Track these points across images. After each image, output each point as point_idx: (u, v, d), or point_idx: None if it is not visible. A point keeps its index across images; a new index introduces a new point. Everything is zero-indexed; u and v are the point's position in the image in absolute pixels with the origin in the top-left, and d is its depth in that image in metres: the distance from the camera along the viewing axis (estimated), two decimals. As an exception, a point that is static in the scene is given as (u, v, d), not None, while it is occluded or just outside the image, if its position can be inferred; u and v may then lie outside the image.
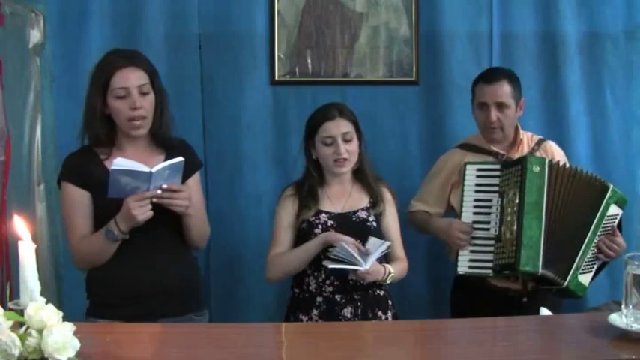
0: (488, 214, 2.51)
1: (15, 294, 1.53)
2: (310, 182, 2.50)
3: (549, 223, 2.41)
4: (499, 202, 2.48)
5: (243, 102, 3.08)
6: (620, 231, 2.51)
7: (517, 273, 2.45)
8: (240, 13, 3.05)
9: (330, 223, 2.44)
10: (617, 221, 2.50)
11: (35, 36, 2.85)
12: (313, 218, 2.44)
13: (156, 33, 3.01)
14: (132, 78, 2.19)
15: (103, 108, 2.21)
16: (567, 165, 2.54)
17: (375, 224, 2.47)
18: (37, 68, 2.86)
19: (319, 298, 2.42)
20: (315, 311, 2.41)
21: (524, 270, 2.39)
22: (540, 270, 2.38)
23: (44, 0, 2.91)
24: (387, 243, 2.41)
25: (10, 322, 1.41)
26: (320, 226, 2.43)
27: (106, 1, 3.00)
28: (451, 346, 1.78)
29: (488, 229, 2.50)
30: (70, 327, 1.43)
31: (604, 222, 2.46)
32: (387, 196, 2.56)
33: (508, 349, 1.67)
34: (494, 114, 2.61)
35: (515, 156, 2.63)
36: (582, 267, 2.46)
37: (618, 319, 1.63)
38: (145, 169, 2.07)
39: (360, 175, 2.54)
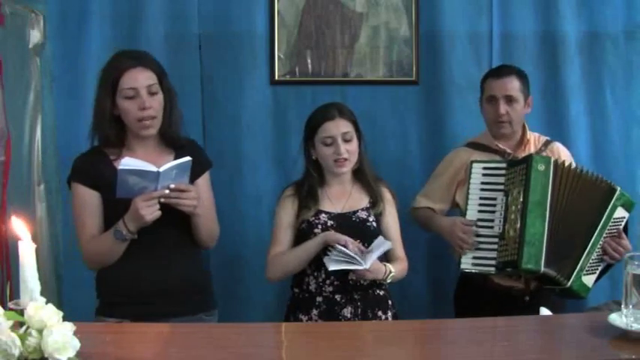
0: (493, 212, 2.51)
1: (15, 294, 1.53)
2: (310, 182, 2.50)
3: (553, 221, 2.41)
4: (504, 200, 2.49)
5: (243, 102, 3.08)
6: (627, 234, 2.52)
7: (519, 271, 2.45)
8: (240, 13, 3.06)
9: (329, 223, 2.44)
10: (623, 224, 2.51)
11: (35, 36, 2.85)
12: (313, 218, 2.44)
13: (156, 33, 3.02)
14: (140, 78, 2.19)
15: (112, 109, 2.22)
16: (573, 165, 2.54)
17: (374, 224, 2.47)
18: (37, 68, 2.86)
19: (319, 298, 2.42)
20: (315, 311, 2.41)
21: (526, 268, 2.39)
22: (542, 268, 2.39)
23: (44, 0, 2.91)
24: (389, 243, 2.42)
25: (10, 322, 1.41)
26: (320, 226, 2.43)
27: (106, 1, 3.00)
28: (451, 346, 1.78)
29: (492, 227, 2.50)
30: (70, 327, 1.43)
31: (610, 224, 2.46)
32: (387, 196, 2.56)
33: (508, 349, 1.67)
34: (503, 107, 2.63)
35: (522, 155, 2.63)
36: (587, 268, 2.46)
37: (618, 319, 1.63)
38: (152, 168, 2.07)
39: (359, 175, 2.54)
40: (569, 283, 2.44)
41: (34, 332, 1.40)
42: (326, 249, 2.36)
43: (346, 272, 2.38)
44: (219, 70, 3.07)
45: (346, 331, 1.93)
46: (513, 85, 2.64)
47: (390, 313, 2.48)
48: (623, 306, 1.63)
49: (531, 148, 2.70)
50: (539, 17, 3.10)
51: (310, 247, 2.38)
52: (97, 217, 2.23)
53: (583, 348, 1.63)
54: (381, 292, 2.48)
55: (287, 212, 2.49)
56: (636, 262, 1.60)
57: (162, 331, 1.85)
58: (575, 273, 2.44)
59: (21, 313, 1.43)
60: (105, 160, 2.24)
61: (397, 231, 2.55)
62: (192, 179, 2.25)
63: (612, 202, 2.45)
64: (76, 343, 1.42)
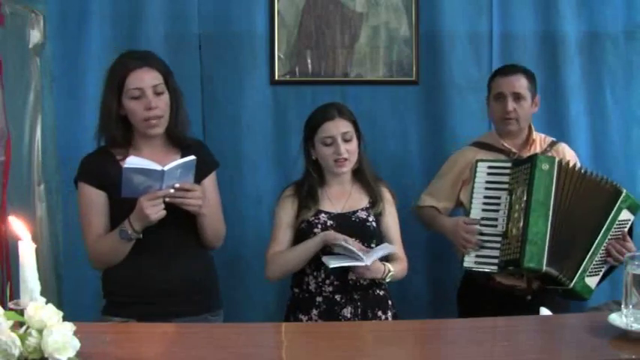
0: (497, 211, 2.52)
1: (15, 294, 1.53)
2: (310, 182, 2.50)
3: (556, 221, 2.42)
4: (507, 199, 2.50)
5: (243, 102, 3.08)
6: (632, 236, 2.52)
7: (521, 270, 2.46)
8: (240, 13, 3.06)
9: (329, 223, 2.44)
10: (628, 226, 2.51)
11: (35, 36, 2.85)
12: (313, 218, 2.44)
13: (156, 33, 3.01)
14: (146, 78, 2.19)
15: (118, 109, 2.22)
16: (578, 166, 2.54)
17: (374, 224, 2.47)
18: (37, 68, 2.86)
19: (319, 298, 2.42)
20: (314, 311, 2.41)
21: (527, 266, 2.39)
22: (544, 267, 2.39)
23: (44, 0, 2.91)
24: (393, 247, 2.43)
25: (10, 322, 1.41)
26: (319, 226, 2.43)
27: (106, 1, 3.00)
28: (451, 346, 1.78)
29: (495, 226, 2.51)
30: (70, 327, 1.43)
31: (615, 226, 2.47)
32: (387, 195, 2.56)
33: (508, 349, 1.67)
34: (510, 104, 2.65)
35: (527, 155, 2.64)
36: (590, 270, 2.47)
37: (618, 319, 1.63)
38: (157, 166, 2.08)
39: (359, 175, 2.54)
40: (572, 284, 2.44)
41: (34, 332, 1.40)
42: (325, 249, 2.36)
43: (346, 272, 2.38)
44: (219, 70, 3.07)
45: (346, 331, 1.93)
46: (521, 83, 2.66)
47: (390, 313, 2.48)
48: (623, 306, 1.62)
49: (537, 149, 2.71)
50: (539, 17, 3.10)
51: (310, 246, 2.38)
52: (103, 217, 2.24)
53: (583, 348, 1.63)
54: (381, 292, 2.48)
55: (287, 212, 2.49)
56: (636, 262, 1.60)
57: (163, 331, 1.85)
58: (578, 274, 2.44)
59: (21, 313, 1.43)
60: (111, 160, 2.24)
61: (397, 231, 2.55)
62: (199, 179, 2.26)
63: (618, 204, 2.46)
64: (76, 343, 1.42)
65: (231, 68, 3.07)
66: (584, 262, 2.45)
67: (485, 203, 2.55)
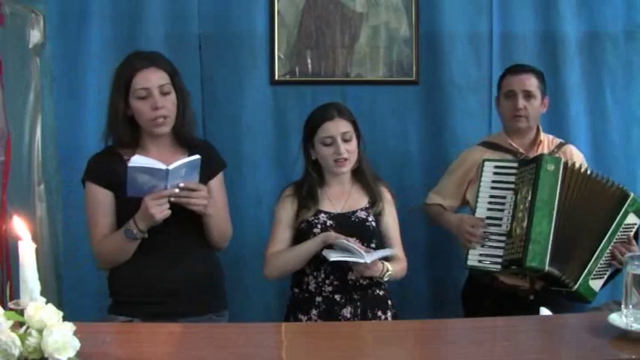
0: (502, 210, 2.53)
1: (15, 294, 1.54)
2: (310, 182, 2.50)
3: (559, 221, 2.43)
4: (513, 198, 2.50)
5: (243, 102, 3.08)
6: (637, 240, 2.52)
7: (524, 269, 2.46)
8: (240, 13, 3.06)
9: (329, 223, 2.44)
10: (634, 230, 2.51)
11: (35, 36, 2.85)
12: (312, 218, 2.44)
13: (156, 33, 3.01)
14: (153, 78, 2.20)
15: (125, 109, 2.22)
16: (584, 168, 2.54)
17: (374, 224, 2.47)
18: (37, 68, 2.86)
19: (319, 298, 2.42)
20: (314, 311, 2.41)
21: (530, 266, 2.40)
22: (547, 267, 2.40)
23: (44, 0, 2.91)
24: (393, 250, 2.45)
25: (10, 322, 1.41)
26: (319, 226, 2.43)
27: (106, 1, 3.00)
28: (451, 346, 1.78)
29: (500, 225, 2.52)
30: (70, 327, 1.42)
31: (621, 230, 2.47)
32: (387, 195, 2.56)
33: (508, 349, 1.67)
34: (521, 102, 2.67)
35: (534, 156, 2.64)
36: (594, 272, 2.47)
37: (618, 319, 1.63)
38: (161, 166, 2.08)
39: (359, 174, 2.54)
40: (576, 287, 2.45)
41: (34, 332, 1.40)
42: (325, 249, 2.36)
43: (345, 272, 2.38)
44: (219, 70, 3.07)
45: (346, 331, 1.93)
46: (532, 81, 2.69)
47: (389, 313, 2.48)
48: (623, 306, 1.62)
49: (544, 150, 2.72)
50: (539, 17, 3.11)
51: (310, 246, 2.38)
52: (109, 217, 2.25)
53: (583, 348, 1.63)
54: (381, 292, 2.48)
55: (286, 212, 2.49)
56: (636, 262, 1.60)
57: (163, 331, 1.85)
58: (582, 277, 2.45)
59: (21, 313, 1.43)
60: (119, 160, 2.24)
61: (397, 231, 2.55)
62: (206, 180, 2.26)
63: (624, 208, 2.47)
64: (76, 343, 1.42)
65: (231, 68, 3.07)
66: (589, 265, 2.45)
67: (490, 202, 2.56)
